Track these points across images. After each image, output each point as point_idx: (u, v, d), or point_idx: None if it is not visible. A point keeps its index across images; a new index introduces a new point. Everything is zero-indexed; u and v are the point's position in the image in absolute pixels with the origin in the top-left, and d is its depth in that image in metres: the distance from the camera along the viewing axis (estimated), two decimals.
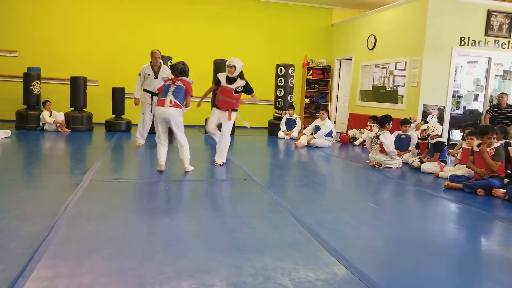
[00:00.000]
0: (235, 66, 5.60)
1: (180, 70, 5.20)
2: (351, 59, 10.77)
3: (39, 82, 8.65)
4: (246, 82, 5.75)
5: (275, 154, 7.50)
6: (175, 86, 5.07)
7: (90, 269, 2.31)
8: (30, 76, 8.52)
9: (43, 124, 8.33)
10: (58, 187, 4.14)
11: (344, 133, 9.13)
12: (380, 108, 9.14)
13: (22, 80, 8.64)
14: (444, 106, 8.26)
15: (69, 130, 8.38)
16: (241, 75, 5.72)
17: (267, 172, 5.81)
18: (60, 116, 8.38)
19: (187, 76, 5.28)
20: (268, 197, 4.12)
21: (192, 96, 5.18)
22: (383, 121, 6.16)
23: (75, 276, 2.22)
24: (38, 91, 8.63)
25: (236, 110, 5.84)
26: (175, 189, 4.39)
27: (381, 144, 6.01)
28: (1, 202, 3.51)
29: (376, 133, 6.19)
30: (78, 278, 2.19)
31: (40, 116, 8.34)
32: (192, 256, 2.58)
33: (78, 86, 8.68)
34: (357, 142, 8.57)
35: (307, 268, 2.49)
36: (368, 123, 8.54)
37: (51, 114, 8.33)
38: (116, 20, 9.99)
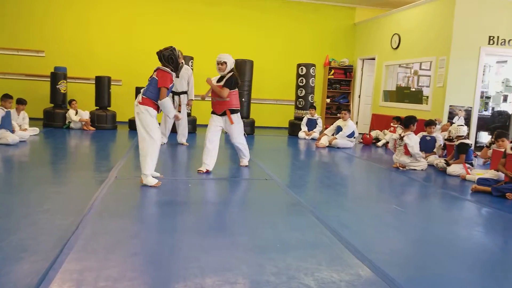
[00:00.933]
0: (226, 63, 4.97)
1: (167, 57, 4.22)
2: (374, 59, 10.63)
3: (65, 82, 8.87)
4: (231, 76, 4.99)
5: (296, 154, 7.47)
6: (149, 79, 4.22)
7: (117, 263, 2.36)
8: (57, 76, 8.75)
9: (69, 122, 8.54)
10: (85, 184, 4.24)
11: (367, 134, 9.02)
12: (404, 109, 8.99)
13: (49, 80, 8.89)
14: (471, 107, 8.05)
15: (94, 128, 8.56)
16: (232, 72, 5.04)
17: (288, 172, 5.79)
18: (85, 115, 8.58)
19: (177, 64, 4.30)
20: (290, 197, 4.11)
21: (166, 88, 4.13)
22: (407, 122, 6.06)
23: (102, 269, 2.27)
24: (64, 90, 8.86)
25: (236, 111, 5.17)
26: (197, 187, 4.43)
27: (405, 146, 5.91)
28: (32, 197, 3.62)
29: (400, 135, 6.09)
30: (105, 272, 2.24)
31: (66, 114, 8.55)
32: (215, 253, 2.60)
33: (102, 85, 8.87)
34: (380, 143, 8.46)
35: (331, 269, 2.48)
36: (391, 124, 8.41)
37: (76, 113, 8.54)
38: (139, 21, 10.14)
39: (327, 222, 3.33)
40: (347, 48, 11.49)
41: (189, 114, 8.07)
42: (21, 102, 7.05)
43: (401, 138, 6.01)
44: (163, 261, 2.44)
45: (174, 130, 7.23)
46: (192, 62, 8.93)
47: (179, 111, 7.07)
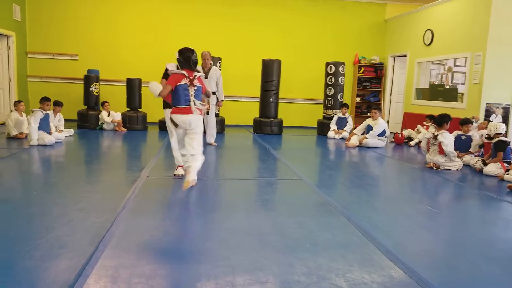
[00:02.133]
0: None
1: (195, 61, 4.19)
2: (405, 56, 10.38)
3: (98, 84, 9.14)
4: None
5: (325, 154, 7.40)
6: (195, 87, 4.16)
7: (150, 261, 2.42)
8: (90, 78, 9.03)
9: (102, 123, 8.79)
10: (118, 183, 4.35)
11: (399, 133, 8.81)
12: (437, 107, 8.74)
13: (82, 82, 9.19)
14: (509, 105, 7.72)
15: (126, 129, 8.77)
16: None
17: (317, 172, 5.74)
18: (117, 116, 8.81)
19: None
20: (319, 197, 4.07)
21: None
22: (441, 120, 5.88)
23: (136, 266, 2.32)
24: (97, 92, 9.13)
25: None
26: (226, 187, 4.46)
27: (439, 145, 5.74)
28: (69, 195, 3.75)
29: (433, 133, 5.92)
30: (139, 269, 2.30)
31: (99, 116, 8.81)
32: (245, 253, 2.61)
33: (133, 87, 9.08)
34: (412, 143, 8.24)
35: (363, 270, 2.44)
36: (424, 123, 8.18)
37: (109, 114, 8.78)
38: (167, 23, 10.32)
39: (358, 223, 3.28)
40: (378, 46, 11.28)
41: (217, 115, 8.13)
42: (58, 104, 7.31)
43: (435, 137, 5.84)
44: (194, 259, 2.48)
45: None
46: (220, 62, 9.00)
47: (208, 112, 7.13)
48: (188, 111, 4.09)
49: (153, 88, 4.17)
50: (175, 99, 4.13)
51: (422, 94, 9.72)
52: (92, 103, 9.05)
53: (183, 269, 2.33)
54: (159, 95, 4.14)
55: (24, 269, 2.23)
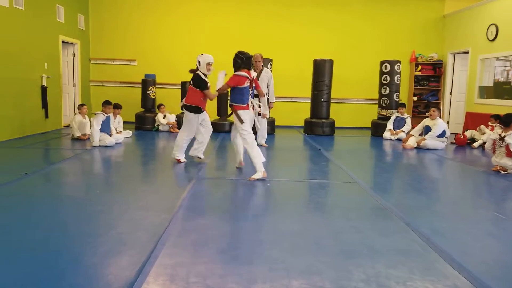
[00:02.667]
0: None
1: (252, 63, 4.88)
2: (467, 52, 9.80)
3: (154, 87, 9.51)
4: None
5: (380, 156, 7.16)
6: (253, 88, 4.82)
7: (206, 260, 2.45)
8: (147, 82, 9.41)
9: (158, 125, 9.12)
10: (174, 182, 4.48)
11: (460, 134, 8.32)
12: (503, 106, 8.16)
13: (140, 86, 9.59)
14: None
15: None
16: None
17: (373, 175, 5.56)
18: (172, 118, 9.11)
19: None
20: (375, 201, 3.93)
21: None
22: (508, 120, 5.46)
23: (193, 265, 2.37)
24: (153, 96, 9.49)
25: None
26: (278, 189, 4.43)
27: (507, 147, 5.35)
28: (128, 194, 3.92)
29: (499, 134, 5.52)
30: (196, 268, 2.33)
31: (155, 118, 9.15)
32: (300, 256, 2.57)
33: (187, 90, 9.30)
34: (476, 144, 7.74)
35: (425, 279, 2.31)
36: (489, 123, 7.66)
37: (164, 116, 9.10)
38: (218, 27, 10.49)
39: (418, 228, 3.12)
40: (436, 42, 10.75)
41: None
42: (117, 107, 7.66)
43: (502, 138, 5.45)
44: (250, 260, 2.48)
45: (254, 132, 7.33)
46: (271, 64, 9.00)
47: (259, 114, 7.15)
48: (249, 109, 4.73)
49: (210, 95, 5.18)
50: (238, 98, 4.69)
51: (486, 92, 9.13)
52: (149, 105, 9.42)
53: (238, 270, 2.34)
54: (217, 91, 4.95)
55: (89, 265, 2.35)
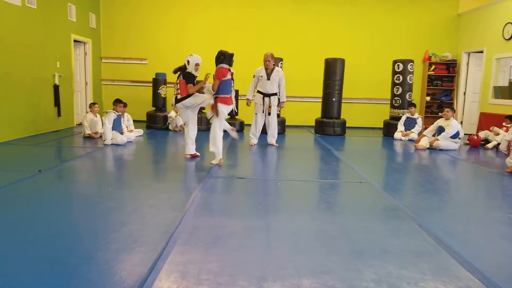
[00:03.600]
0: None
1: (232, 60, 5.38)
2: (482, 52, 9.67)
3: (165, 86, 9.55)
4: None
5: (392, 156, 7.10)
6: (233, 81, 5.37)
7: (217, 258, 2.46)
8: (158, 81, 9.47)
9: (169, 123, 9.15)
10: (185, 181, 4.51)
11: (474, 134, 8.21)
12: None
13: (151, 85, 9.65)
14: None
15: None
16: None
17: (384, 175, 5.52)
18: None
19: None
20: (387, 201, 3.90)
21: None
22: None
23: (204, 263, 2.38)
24: (164, 95, 9.54)
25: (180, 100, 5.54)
26: (288, 189, 4.43)
27: None
28: (140, 192, 3.95)
29: None
30: (207, 265, 2.35)
31: (168, 115, 9.18)
32: (311, 255, 2.57)
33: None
34: (489, 145, 7.63)
35: (437, 280, 2.29)
36: (504, 124, 7.55)
37: (177, 114, 9.10)
38: (230, 27, 10.51)
39: (430, 230, 3.09)
40: (450, 42, 10.62)
41: (278, 115, 8.14)
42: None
43: None
44: (260, 259, 2.48)
45: (264, 131, 7.35)
46: (281, 63, 8.99)
47: (269, 113, 7.15)
48: (231, 101, 5.34)
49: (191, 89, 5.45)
50: (222, 89, 5.20)
51: (501, 92, 8.99)
52: (160, 104, 9.47)
53: (249, 268, 2.34)
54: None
55: (103, 261, 2.38)
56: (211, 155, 5.45)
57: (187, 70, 5.50)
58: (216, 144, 5.27)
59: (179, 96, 5.46)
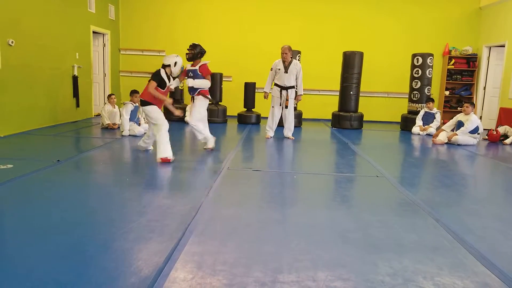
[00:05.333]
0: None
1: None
2: (503, 46, 9.43)
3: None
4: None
5: (409, 150, 7.01)
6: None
7: (233, 249, 2.48)
8: None
9: (184, 116, 9.20)
10: (201, 173, 4.55)
11: (493, 130, 8.04)
12: None
13: None
14: None
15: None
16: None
17: (401, 169, 5.46)
18: None
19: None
20: (404, 196, 3.87)
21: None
22: None
23: (220, 254, 2.40)
24: (181, 87, 9.58)
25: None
26: (304, 182, 4.42)
27: None
28: (156, 183, 4.00)
29: None
30: (223, 256, 2.37)
31: (186, 108, 9.22)
32: (326, 248, 2.57)
33: (215, 81, 9.36)
34: (508, 141, 7.48)
35: (453, 275, 2.27)
36: None
37: None
38: (248, 19, 10.49)
39: (447, 225, 3.06)
40: (471, 35, 10.39)
41: (295, 109, 8.10)
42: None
43: None
44: (275, 250, 2.49)
45: (280, 124, 7.34)
46: (299, 56, 8.94)
47: (286, 106, 7.13)
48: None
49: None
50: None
51: None
52: (177, 96, 9.53)
53: (264, 260, 2.36)
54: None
55: (120, 250, 2.42)
56: (228, 147, 5.47)
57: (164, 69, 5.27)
58: (200, 131, 5.58)
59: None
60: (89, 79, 9.29)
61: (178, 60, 5.27)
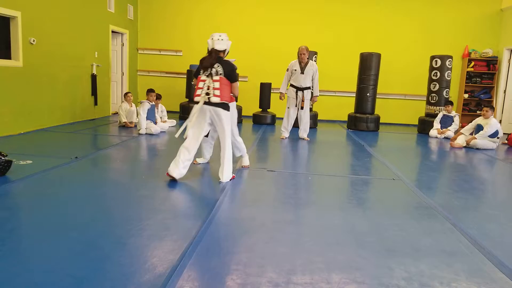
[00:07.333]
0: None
1: None
2: None
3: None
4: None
5: (426, 154, 6.91)
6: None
7: (247, 249, 2.48)
8: (192, 73, 9.57)
9: None
10: (216, 172, 4.55)
11: None
12: None
13: (185, 77, 9.77)
14: None
15: None
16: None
17: (418, 173, 5.38)
18: None
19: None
20: (420, 199, 3.81)
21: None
22: None
23: (234, 253, 2.41)
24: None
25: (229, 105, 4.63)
26: (319, 183, 4.40)
27: None
28: (172, 182, 4.02)
29: None
30: (237, 256, 2.38)
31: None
32: (341, 250, 2.55)
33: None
34: None
35: (470, 281, 2.23)
36: None
37: None
38: (264, 20, 10.47)
39: (465, 230, 3.00)
40: (491, 38, 10.18)
41: (310, 110, 8.07)
42: (157, 97, 7.79)
43: None
44: (290, 252, 2.48)
45: (296, 125, 7.32)
46: (315, 57, 8.89)
47: (302, 107, 7.11)
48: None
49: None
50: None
51: None
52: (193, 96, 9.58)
53: (278, 260, 2.35)
54: None
55: (136, 247, 2.45)
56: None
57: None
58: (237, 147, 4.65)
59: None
60: (108, 78, 9.42)
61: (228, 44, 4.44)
